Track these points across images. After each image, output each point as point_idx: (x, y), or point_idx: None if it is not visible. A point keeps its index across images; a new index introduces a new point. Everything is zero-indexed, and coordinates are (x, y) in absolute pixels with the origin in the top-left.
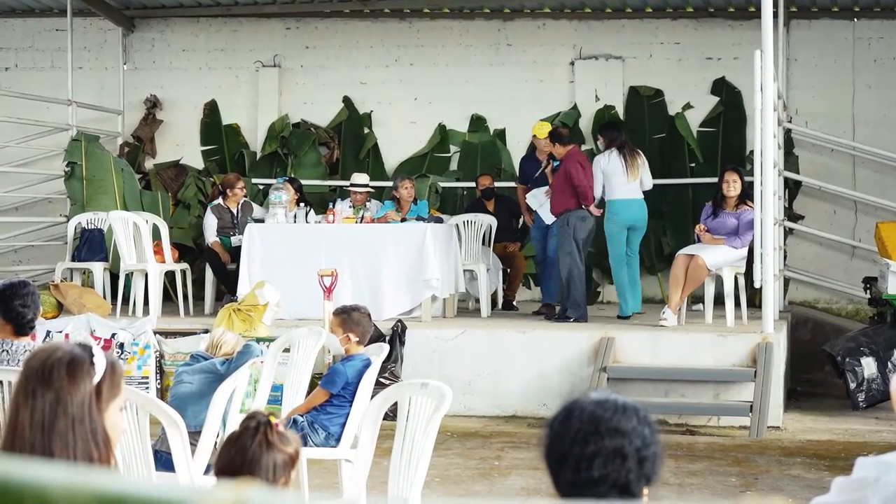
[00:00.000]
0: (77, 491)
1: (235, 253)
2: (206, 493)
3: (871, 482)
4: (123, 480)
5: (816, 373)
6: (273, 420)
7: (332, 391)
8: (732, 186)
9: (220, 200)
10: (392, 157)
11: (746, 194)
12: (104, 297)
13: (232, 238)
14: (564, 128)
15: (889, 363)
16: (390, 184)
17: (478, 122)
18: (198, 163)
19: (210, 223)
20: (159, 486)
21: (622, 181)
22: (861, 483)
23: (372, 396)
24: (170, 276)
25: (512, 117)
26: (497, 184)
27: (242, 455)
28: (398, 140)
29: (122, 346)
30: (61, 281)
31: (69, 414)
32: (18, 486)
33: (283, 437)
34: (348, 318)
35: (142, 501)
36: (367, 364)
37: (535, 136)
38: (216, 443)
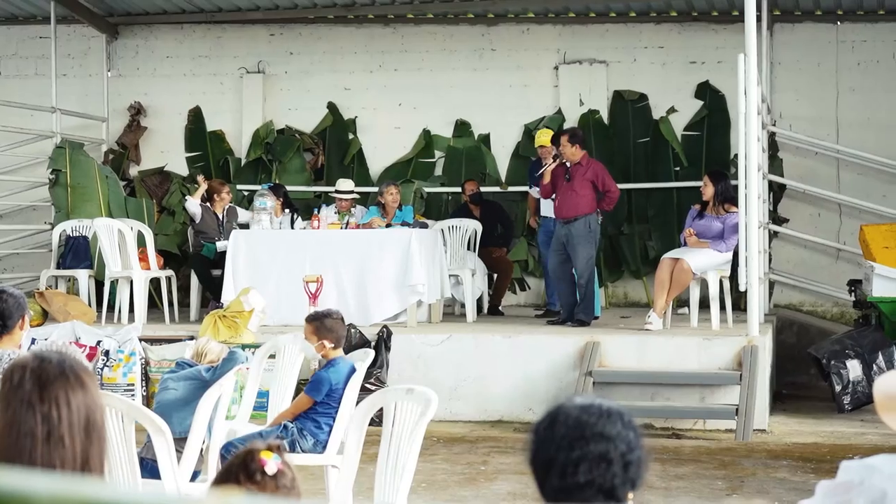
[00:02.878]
0: (63, 500)
1: (220, 259)
2: (191, 502)
3: (855, 485)
4: (109, 489)
5: (802, 375)
6: (264, 456)
7: (317, 398)
8: (705, 190)
9: (206, 204)
10: (377, 162)
11: (731, 197)
12: (89, 305)
13: (217, 243)
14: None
15: (874, 366)
16: (375, 189)
17: (462, 128)
18: (182, 169)
19: (193, 206)
20: (145, 494)
21: None
22: (845, 486)
23: (357, 402)
24: (155, 283)
25: (496, 122)
26: (483, 189)
27: (224, 480)
28: (383, 146)
29: (107, 353)
30: (46, 288)
31: (97, 420)
32: (3, 495)
33: (258, 476)
34: (321, 324)
35: None
36: (353, 370)
37: (541, 145)
38: (202, 450)
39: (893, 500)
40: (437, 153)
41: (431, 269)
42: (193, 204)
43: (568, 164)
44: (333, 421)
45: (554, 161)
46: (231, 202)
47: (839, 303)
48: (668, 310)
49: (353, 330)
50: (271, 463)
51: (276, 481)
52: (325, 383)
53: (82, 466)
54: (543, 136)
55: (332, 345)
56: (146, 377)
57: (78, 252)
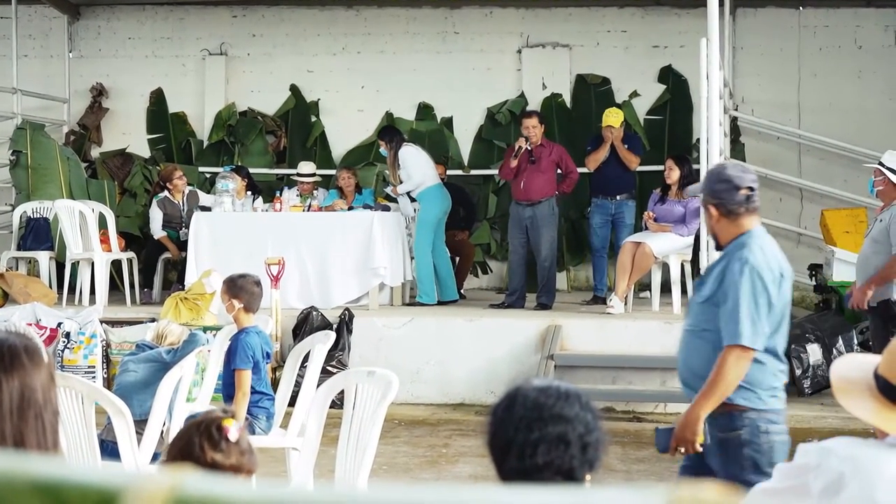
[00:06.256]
0: (14, 477)
1: (183, 244)
2: (142, 479)
3: (812, 468)
4: (61, 466)
5: None
6: (226, 423)
7: (249, 366)
8: (670, 174)
9: (165, 194)
10: (339, 145)
11: (693, 182)
12: (50, 287)
13: (179, 232)
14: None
15: (834, 350)
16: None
17: (425, 111)
18: (144, 151)
19: (156, 216)
20: (97, 472)
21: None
22: (802, 469)
23: (319, 384)
24: (116, 264)
25: (459, 105)
26: (446, 172)
27: (184, 447)
28: (345, 128)
29: (68, 335)
30: (7, 270)
31: (37, 400)
32: None
33: (223, 444)
34: (233, 284)
35: (79, 487)
36: (266, 339)
37: (609, 125)
38: (162, 432)
39: (850, 482)
40: None
41: (394, 251)
42: (157, 229)
43: (530, 147)
44: (268, 390)
45: (523, 145)
46: (190, 184)
47: (800, 287)
48: (630, 294)
49: (314, 313)
50: (233, 429)
51: (240, 447)
52: (247, 348)
53: (15, 447)
54: (613, 117)
55: (242, 305)
56: (107, 359)
57: (39, 233)
